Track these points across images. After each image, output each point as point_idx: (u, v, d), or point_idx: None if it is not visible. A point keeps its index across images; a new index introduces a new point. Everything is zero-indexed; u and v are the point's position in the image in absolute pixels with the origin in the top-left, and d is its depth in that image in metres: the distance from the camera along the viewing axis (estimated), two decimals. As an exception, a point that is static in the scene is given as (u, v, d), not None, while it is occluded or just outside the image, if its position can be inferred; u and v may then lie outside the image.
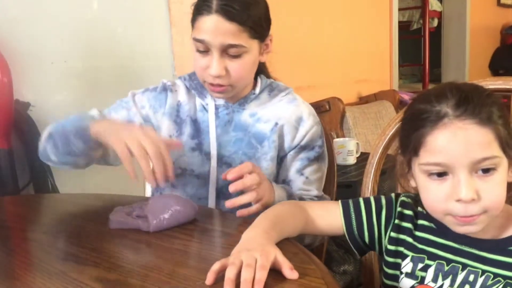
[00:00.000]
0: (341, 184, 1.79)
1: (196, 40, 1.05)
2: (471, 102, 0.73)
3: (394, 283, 0.85)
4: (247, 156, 1.13)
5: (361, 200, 0.90)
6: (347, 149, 2.22)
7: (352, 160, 2.23)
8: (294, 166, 1.16)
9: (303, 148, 1.15)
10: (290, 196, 1.07)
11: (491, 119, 0.72)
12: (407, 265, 0.83)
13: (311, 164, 1.16)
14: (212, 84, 1.08)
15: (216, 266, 0.68)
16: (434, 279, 0.80)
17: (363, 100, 3.32)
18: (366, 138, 2.89)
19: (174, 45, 2.11)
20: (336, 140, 2.31)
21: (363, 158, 2.30)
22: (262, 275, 0.65)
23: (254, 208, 0.95)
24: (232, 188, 0.92)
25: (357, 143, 2.28)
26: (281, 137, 1.14)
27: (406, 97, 3.40)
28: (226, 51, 1.04)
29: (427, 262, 0.81)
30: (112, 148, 0.95)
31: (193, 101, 1.17)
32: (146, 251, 0.85)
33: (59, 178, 1.64)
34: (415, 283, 0.82)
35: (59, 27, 1.74)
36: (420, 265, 0.81)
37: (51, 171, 1.60)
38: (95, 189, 1.20)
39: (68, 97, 1.77)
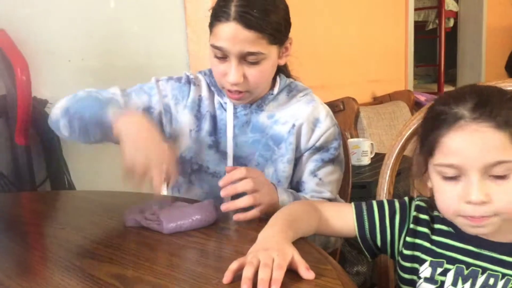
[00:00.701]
0: (355, 185, 1.78)
1: (214, 47, 1.04)
2: (489, 105, 0.72)
3: None
4: (264, 158, 1.13)
5: (374, 203, 0.90)
6: (362, 150, 2.21)
7: (366, 160, 2.22)
8: (308, 167, 1.14)
9: (317, 149, 1.14)
10: (295, 197, 1.05)
11: (509, 123, 0.71)
12: (425, 270, 0.82)
13: (325, 166, 1.14)
14: (230, 91, 1.07)
15: (234, 265, 0.68)
16: (454, 283, 0.79)
17: (378, 101, 3.31)
18: (380, 138, 2.88)
19: (189, 44, 2.12)
20: (350, 140, 2.30)
21: (377, 158, 2.29)
22: (279, 275, 0.65)
23: (251, 213, 0.93)
24: (223, 193, 0.92)
25: (372, 144, 2.27)
26: (298, 138, 1.13)
27: (422, 98, 3.38)
28: (244, 58, 1.03)
29: (446, 266, 0.81)
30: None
31: (212, 97, 1.17)
32: (162, 249, 0.85)
33: (75, 175, 1.66)
34: None
35: (76, 25, 1.76)
36: (439, 270, 0.81)
37: (67, 168, 1.61)
38: (111, 187, 1.21)
39: (84, 95, 1.78)
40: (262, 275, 0.65)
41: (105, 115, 0.98)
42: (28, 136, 1.52)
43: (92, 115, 1.00)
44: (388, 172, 1.14)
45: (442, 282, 0.81)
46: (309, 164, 1.14)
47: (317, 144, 1.14)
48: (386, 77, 3.47)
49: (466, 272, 0.79)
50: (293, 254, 0.70)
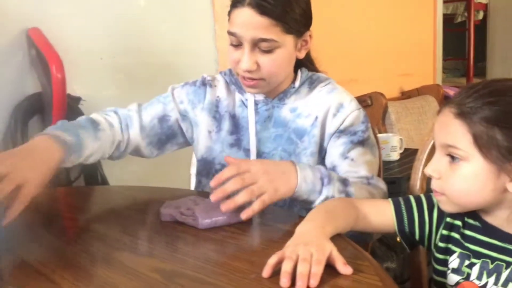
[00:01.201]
0: (385, 181, 1.77)
1: (229, 33, 1.04)
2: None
3: (443, 280, 0.86)
4: (287, 152, 1.12)
5: (412, 198, 0.91)
6: (391, 145, 2.19)
7: (395, 156, 2.21)
8: (337, 151, 1.10)
9: (342, 132, 1.10)
10: (325, 175, 0.98)
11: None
12: (453, 261, 0.84)
13: (355, 147, 1.10)
14: (243, 78, 1.07)
15: (272, 260, 0.69)
16: (479, 277, 0.80)
17: (406, 95, 3.27)
18: (408, 134, 2.85)
19: (217, 41, 2.13)
20: (379, 135, 2.28)
21: (407, 154, 2.27)
22: (318, 270, 0.66)
23: (254, 206, 0.89)
24: (213, 198, 0.89)
25: (401, 139, 2.25)
26: (322, 128, 1.11)
27: (451, 92, 3.33)
28: (257, 45, 1.02)
29: (473, 260, 0.82)
30: None
31: (232, 96, 1.17)
32: (198, 244, 0.86)
33: (109, 171, 1.69)
34: (460, 279, 0.82)
35: (108, 23, 1.78)
36: (466, 262, 0.82)
37: (101, 164, 1.65)
38: (143, 182, 1.23)
39: (115, 92, 1.82)
40: (301, 269, 0.66)
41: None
42: (63, 133, 1.55)
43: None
44: (421, 167, 1.14)
45: (469, 274, 0.82)
46: (338, 148, 1.10)
47: (341, 127, 1.10)
48: (414, 71, 3.43)
49: (491, 266, 0.79)
50: (332, 249, 0.71)
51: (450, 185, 0.79)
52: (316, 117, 1.11)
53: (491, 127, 0.74)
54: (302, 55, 1.11)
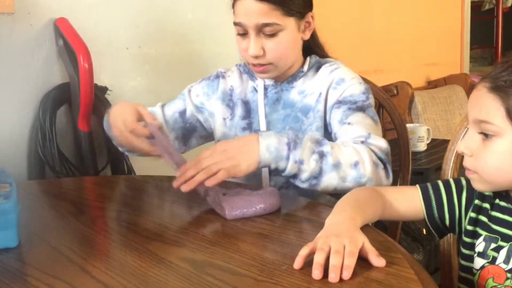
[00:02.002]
0: (412, 172, 1.75)
1: (235, 24, 1.10)
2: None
3: (470, 264, 0.84)
4: (294, 130, 1.14)
5: (440, 182, 0.89)
6: (418, 135, 2.16)
7: (422, 146, 2.18)
8: (336, 119, 1.10)
9: (341, 102, 1.11)
10: (292, 140, 0.97)
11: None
12: (479, 244, 0.82)
13: (354, 113, 1.09)
14: (254, 65, 1.13)
15: (304, 251, 0.69)
16: (506, 261, 0.78)
17: (432, 85, 3.22)
18: (435, 124, 2.81)
19: (241, 30, 2.12)
20: (406, 125, 2.25)
21: (434, 144, 2.24)
22: (351, 262, 0.65)
23: (220, 175, 0.93)
24: (174, 184, 0.96)
25: (428, 129, 2.21)
26: (325, 102, 1.14)
27: (479, 81, 3.26)
28: (261, 30, 1.08)
29: (500, 243, 0.79)
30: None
31: (245, 84, 1.23)
32: (228, 234, 0.86)
33: (135, 161, 1.70)
34: (485, 263, 0.80)
35: (133, 13, 1.78)
36: (493, 245, 0.80)
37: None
38: (167, 172, 1.23)
39: (141, 82, 1.82)
40: (334, 262, 0.65)
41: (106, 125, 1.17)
42: (90, 123, 1.56)
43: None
44: (453, 158, 1.11)
45: (494, 258, 0.79)
46: (337, 116, 1.10)
47: (341, 97, 1.12)
48: (441, 60, 3.36)
49: None
50: (364, 241, 0.69)
51: (482, 162, 0.77)
52: (320, 93, 1.15)
53: None
54: (306, 36, 1.16)
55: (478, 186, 0.80)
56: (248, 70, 1.21)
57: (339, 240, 0.68)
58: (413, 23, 3.10)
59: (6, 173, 0.94)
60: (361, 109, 1.10)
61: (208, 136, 1.30)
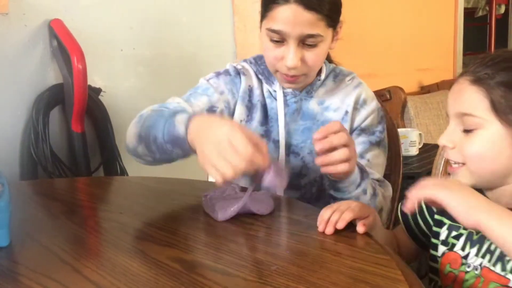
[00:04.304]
0: (404, 176, 1.76)
1: (272, 30, 1.02)
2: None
3: (435, 253, 0.87)
4: None
5: None
6: (409, 140, 2.17)
7: (414, 151, 2.19)
8: (357, 149, 1.09)
9: (363, 130, 1.14)
10: (364, 169, 1.03)
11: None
12: (443, 233, 0.85)
13: (373, 149, 1.13)
14: (286, 75, 1.06)
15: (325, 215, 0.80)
16: (463, 247, 0.82)
17: (425, 90, 3.24)
18: (427, 129, 2.82)
19: (236, 33, 2.13)
20: (398, 130, 2.26)
21: (426, 149, 2.25)
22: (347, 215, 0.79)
23: (341, 166, 0.90)
24: (318, 146, 0.88)
25: (420, 134, 2.23)
26: (351, 123, 1.14)
27: (471, 87, 3.28)
28: (303, 41, 1.02)
29: (461, 231, 0.83)
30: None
31: (261, 86, 1.16)
32: (218, 235, 0.87)
33: (126, 161, 1.70)
34: (445, 249, 0.84)
35: (129, 15, 1.79)
36: (454, 233, 0.84)
37: (120, 154, 1.66)
38: (160, 173, 1.23)
39: (136, 84, 1.83)
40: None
41: (178, 131, 0.92)
42: (84, 124, 1.57)
43: (166, 136, 0.94)
44: (442, 162, 1.13)
45: (453, 245, 0.83)
46: (357, 147, 1.10)
47: (363, 125, 1.14)
48: (434, 66, 3.39)
49: (475, 237, 0.81)
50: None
51: (467, 151, 0.79)
52: (346, 112, 1.13)
53: (509, 91, 0.74)
54: (334, 46, 1.11)
55: (465, 179, 0.81)
56: (263, 72, 1.15)
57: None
58: (407, 29, 3.13)
59: (-1, 173, 0.94)
60: (378, 144, 1.14)
61: None
